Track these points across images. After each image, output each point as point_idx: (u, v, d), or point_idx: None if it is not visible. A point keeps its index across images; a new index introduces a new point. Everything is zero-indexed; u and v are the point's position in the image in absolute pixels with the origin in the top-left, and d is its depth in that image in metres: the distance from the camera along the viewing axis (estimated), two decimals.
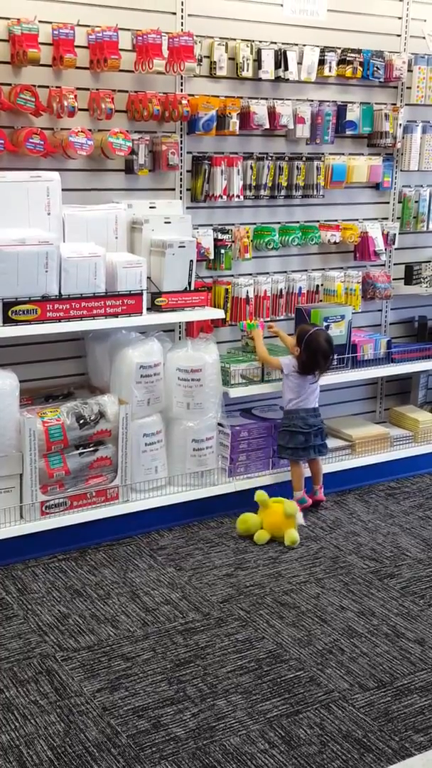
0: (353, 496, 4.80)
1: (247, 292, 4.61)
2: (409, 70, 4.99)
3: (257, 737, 2.79)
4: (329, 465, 4.74)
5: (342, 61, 4.72)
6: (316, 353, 4.32)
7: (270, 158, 4.61)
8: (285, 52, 4.50)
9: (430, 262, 5.29)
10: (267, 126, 4.51)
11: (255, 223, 4.72)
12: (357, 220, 5.04)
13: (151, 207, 4.26)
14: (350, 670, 3.16)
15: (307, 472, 4.55)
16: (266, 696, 3.00)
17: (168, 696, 2.99)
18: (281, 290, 4.78)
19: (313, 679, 3.11)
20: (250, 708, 2.93)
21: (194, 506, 4.34)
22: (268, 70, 4.48)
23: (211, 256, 4.49)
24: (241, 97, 4.49)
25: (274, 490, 4.38)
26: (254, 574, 3.86)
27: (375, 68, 4.81)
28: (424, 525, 4.44)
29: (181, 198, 4.44)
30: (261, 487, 4.39)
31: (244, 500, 4.36)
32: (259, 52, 4.46)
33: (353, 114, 4.81)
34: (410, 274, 5.24)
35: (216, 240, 4.50)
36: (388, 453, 5.01)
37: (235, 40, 4.43)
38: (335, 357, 4.54)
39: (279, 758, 2.69)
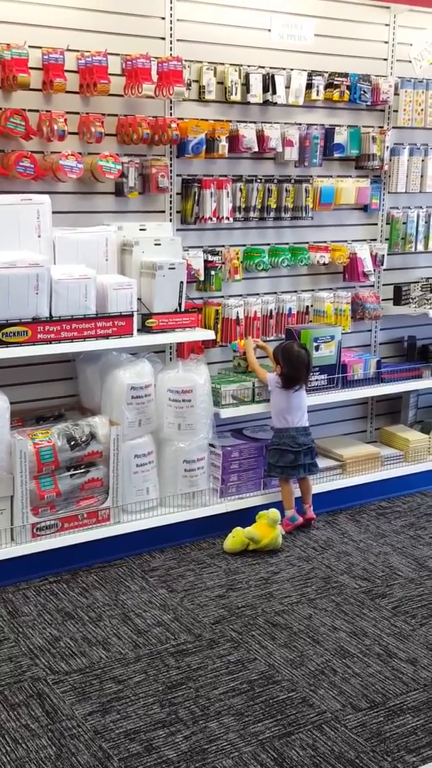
0: (344, 516, 4.80)
1: (238, 313, 4.64)
2: (396, 94, 5.05)
3: (249, 759, 2.77)
4: (320, 485, 4.74)
5: (329, 85, 4.78)
6: (290, 359, 4.39)
7: (259, 181, 4.65)
8: (273, 76, 4.56)
9: (418, 282, 5.33)
10: (256, 149, 4.55)
11: (245, 245, 4.76)
12: (346, 241, 5.07)
13: (141, 229, 4.29)
14: (342, 690, 3.15)
15: (298, 492, 4.56)
16: (258, 717, 2.98)
17: (160, 718, 2.97)
18: (271, 311, 4.80)
19: (306, 700, 3.09)
20: (242, 730, 2.91)
21: (186, 527, 4.33)
22: (256, 93, 4.53)
23: (202, 278, 4.52)
24: (230, 121, 4.53)
25: (265, 510, 4.37)
26: (246, 595, 3.85)
27: (362, 92, 4.87)
28: (415, 544, 4.44)
29: (171, 220, 4.47)
30: (252, 508, 4.41)
31: (236, 521, 4.35)
32: (247, 76, 4.51)
33: (341, 137, 4.87)
34: (399, 295, 5.27)
35: (206, 261, 4.52)
36: (379, 472, 5.02)
37: (223, 64, 4.49)
38: (314, 367, 4.56)
39: None
